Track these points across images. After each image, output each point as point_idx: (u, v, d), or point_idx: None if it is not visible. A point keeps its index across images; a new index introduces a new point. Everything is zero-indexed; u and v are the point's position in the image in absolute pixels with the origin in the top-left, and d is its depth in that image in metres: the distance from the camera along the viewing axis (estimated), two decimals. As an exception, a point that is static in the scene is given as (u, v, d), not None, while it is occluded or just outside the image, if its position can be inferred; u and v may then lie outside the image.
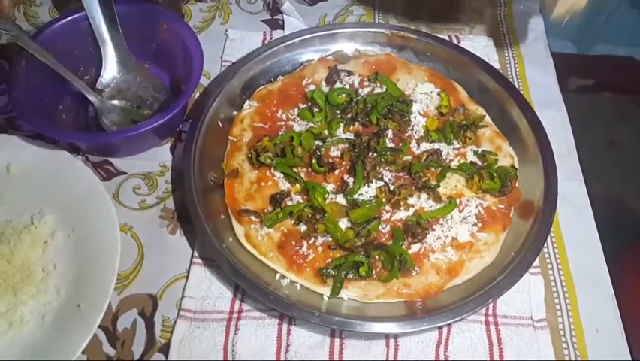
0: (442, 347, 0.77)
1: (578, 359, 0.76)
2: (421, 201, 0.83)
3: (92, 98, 0.92)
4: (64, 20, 0.93)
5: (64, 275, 0.79)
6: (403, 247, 0.79)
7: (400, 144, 0.89)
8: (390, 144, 0.89)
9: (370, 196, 0.83)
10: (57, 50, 0.90)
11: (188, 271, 0.81)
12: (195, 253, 0.82)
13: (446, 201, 0.83)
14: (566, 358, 0.76)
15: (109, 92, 0.95)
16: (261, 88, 0.96)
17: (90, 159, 0.92)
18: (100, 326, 0.75)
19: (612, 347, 0.78)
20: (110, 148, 0.92)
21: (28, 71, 0.87)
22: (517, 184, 0.86)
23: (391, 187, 0.84)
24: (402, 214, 0.83)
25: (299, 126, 0.91)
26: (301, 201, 0.83)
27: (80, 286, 0.77)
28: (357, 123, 0.92)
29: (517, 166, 0.88)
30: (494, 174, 0.85)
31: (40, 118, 0.86)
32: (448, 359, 0.76)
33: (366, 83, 0.96)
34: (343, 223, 0.81)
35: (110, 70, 0.95)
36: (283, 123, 0.92)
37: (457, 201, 0.83)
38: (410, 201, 0.84)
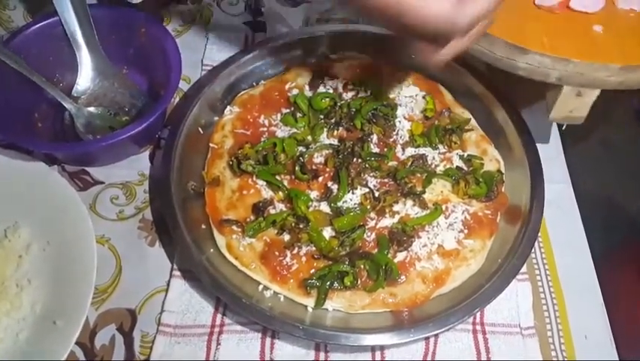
0: (429, 357, 0.75)
1: (567, 366, 0.76)
2: (407, 208, 0.82)
3: (67, 105, 0.89)
4: (38, 25, 0.89)
5: (40, 290, 0.76)
6: (389, 255, 0.78)
7: (385, 149, 0.87)
8: (375, 149, 0.87)
9: (355, 203, 0.82)
10: (31, 55, 0.87)
11: (168, 284, 0.79)
12: (175, 266, 0.80)
13: (432, 208, 0.82)
14: (555, 366, 0.75)
15: (85, 99, 0.92)
16: (242, 93, 0.94)
17: (66, 168, 0.89)
18: (77, 343, 0.72)
19: (601, 354, 0.77)
20: (87, 157, 0.89)
21: (1, 78, 0.84)
22: (503, 189, 0.85)
23: (376, 194, 0.82)
24: (387, 221, 0.81)
25: (282, 132, 0.89)
26: (284, 209, 0.81)
27: (55, 301, 0.74)
28: (341, 128, 0.90)
29: (503, 170, 0.87)
30: (480, 179, 0.84)
31: (14, 127, 0.83)
32: (436, 369, 0.74)
33: (350, 87, 0.94)
34: (327, 232, 0.79)
35: (86, 76, 0.92)
36: (265, 129, 0.89)
37: (443, 207, 0.82)
38: (395, 207, 0.82)
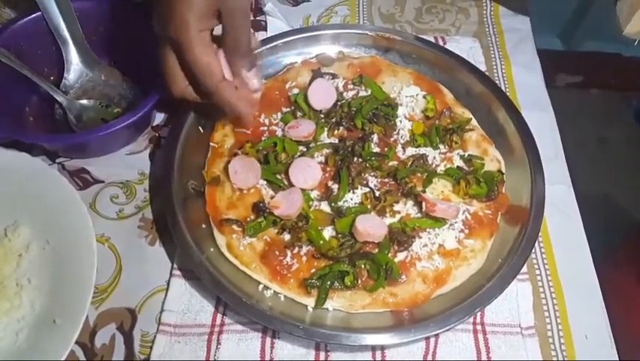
0: (430, 357, 0.75)
1: (567, 366, 0.75)
2: (407, 208, 0.82)
3: (59, 98, 0.90)
4: (25, 20, 0.90)
5: (39, 289, 0.76)
6: (389, 255, 0.78)
7: (386, 149, 0.87)
8: (376, 149, 0.87)
9: (355, 203, 0.82)
10: (19, 50, 0.88)
11: (168, 284, 0.78)
12: (175, 265, 0.80)
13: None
14: (555, 366, 0.75)
15: (74, 93, 0.93)
16: (243, 92, 0.93)
17: (66, 167, 0.89)
18: (77, 342, 0.72)
19: (601, 354, 0.76)
20: (80, 149, 0.89)
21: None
22: (503, 189, 0.85)
23: (377, 193, 0.82)
24: (387, 221, 0.81)
25: (282, 131, 0.89)
26: (285, 209, 0.81)
27: (55, 300, 0.74)
28: (341, 128, 0.90)
29: (503, 170, 0.87)
30: (481, 179, 0.83)
31: (6, 122, 0.84)
32: (436, 369, 0.74)
33: (350, 87, 0.94)
34: (328, 232, 0.79)
35: (74, 70, 0.93)
36: (266, 128, 0.89)
37: (444, 206, 0.82)
38: (396, 207, 0.82)
